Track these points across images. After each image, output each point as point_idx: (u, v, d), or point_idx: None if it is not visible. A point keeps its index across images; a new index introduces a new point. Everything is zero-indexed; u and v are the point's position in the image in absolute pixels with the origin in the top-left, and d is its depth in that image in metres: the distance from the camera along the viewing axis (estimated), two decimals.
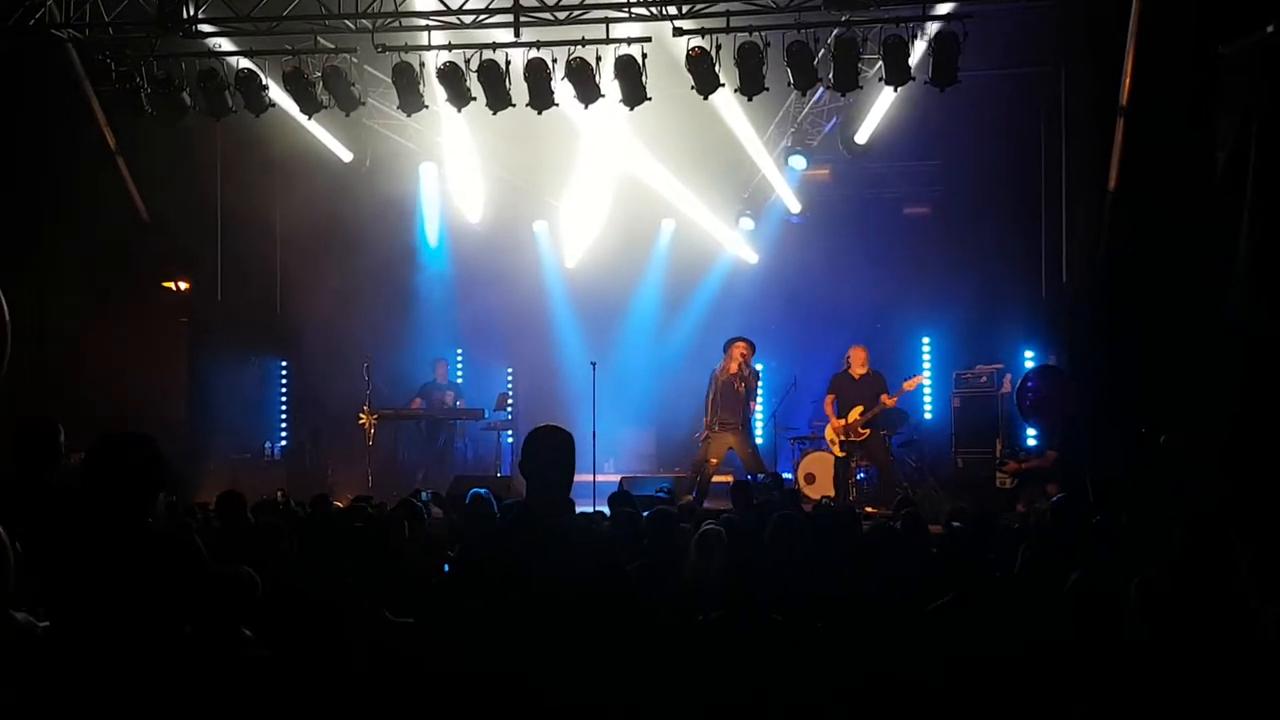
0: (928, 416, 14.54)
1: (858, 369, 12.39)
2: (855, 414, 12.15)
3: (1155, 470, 9.80)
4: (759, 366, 12.48)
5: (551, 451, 3.80)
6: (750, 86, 10.25)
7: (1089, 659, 4.53)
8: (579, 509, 4.96)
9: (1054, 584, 5.05)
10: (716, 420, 11.80)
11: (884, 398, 12.22)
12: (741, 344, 11.83)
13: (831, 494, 12.20)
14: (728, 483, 12.07)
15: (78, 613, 3.43)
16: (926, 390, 14.32)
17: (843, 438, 12.22)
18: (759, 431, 14.11)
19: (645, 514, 7.07)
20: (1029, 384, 12.26)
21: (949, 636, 4.78)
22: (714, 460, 11.77)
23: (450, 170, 14.91)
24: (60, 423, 5.22)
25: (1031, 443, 12.50)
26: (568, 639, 3.60)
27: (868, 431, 12.17)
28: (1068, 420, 11.72)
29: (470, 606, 3.79)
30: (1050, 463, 11.42)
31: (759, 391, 12.30)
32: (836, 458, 12.32)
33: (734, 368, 11.75)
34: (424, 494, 9.22)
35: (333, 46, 10.93)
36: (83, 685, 3.33)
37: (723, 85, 10.41)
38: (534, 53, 10.43)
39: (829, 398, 12.49)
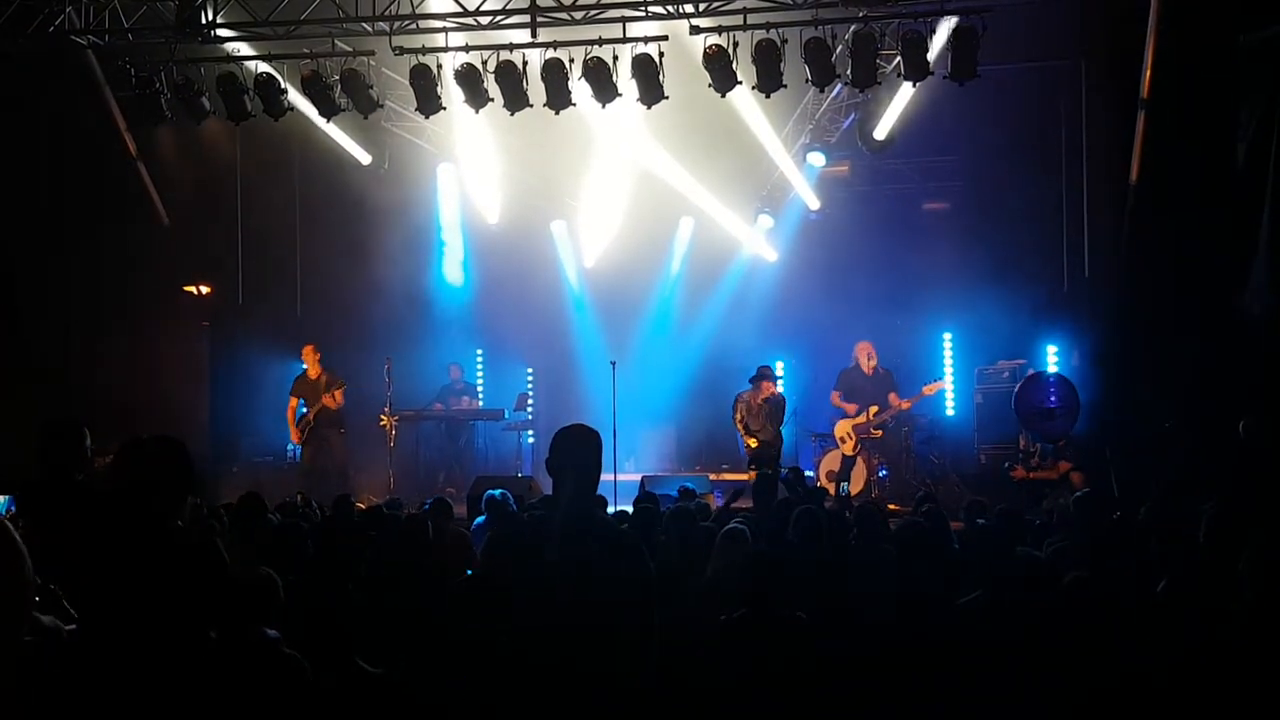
0: (950, 412, 14.47)
1: (868, 365, 12.39)
2: (872, 413, 12.16)
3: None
4: (780, 390, 12.49)
5: (580, 450, 3.79)
6: (768, 83, 10.23)
7: (1118, 654, 4.51)
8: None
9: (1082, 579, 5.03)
10: (750, 434, 11.96)
11: (894, 398, 12.23)
12: (770, 382, 11.95)
13: (853, 490, 12.20)
14: (747, 481, 12.09)
15: (102, 615, 3.44)
16: (949, 387, 14.28)
17: (855, 436, 12.23)
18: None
19: (664, 510, 7.08)
20: (1031, 397, 11.89)
21: (976, 633, 4.76)
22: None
23: (468, 171, 14.92)
24: (85, 426, 5.25)
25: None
26: (592, 637, 3.59)
27: (881, 431, 12.21)
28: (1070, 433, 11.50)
29: (495, 606, 3.80)
30: (1061, 474, 11.30)
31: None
32: (845, 455, 12.34)
33: (760, 399, 11.84)
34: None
35: (350, 49, 10.96)
36: (106, 687, 3.34)
37: (740, 83, 10.39)
38: (551, 53, 10.44)
39: (836, 393, 12.50)
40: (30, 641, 3.07)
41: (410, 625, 4.85)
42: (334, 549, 6.49)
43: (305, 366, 12.88)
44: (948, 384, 14.10)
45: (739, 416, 11.97)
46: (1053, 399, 11.51)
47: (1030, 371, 12.36)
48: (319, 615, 4.20)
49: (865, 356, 12.47)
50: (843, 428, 12.48)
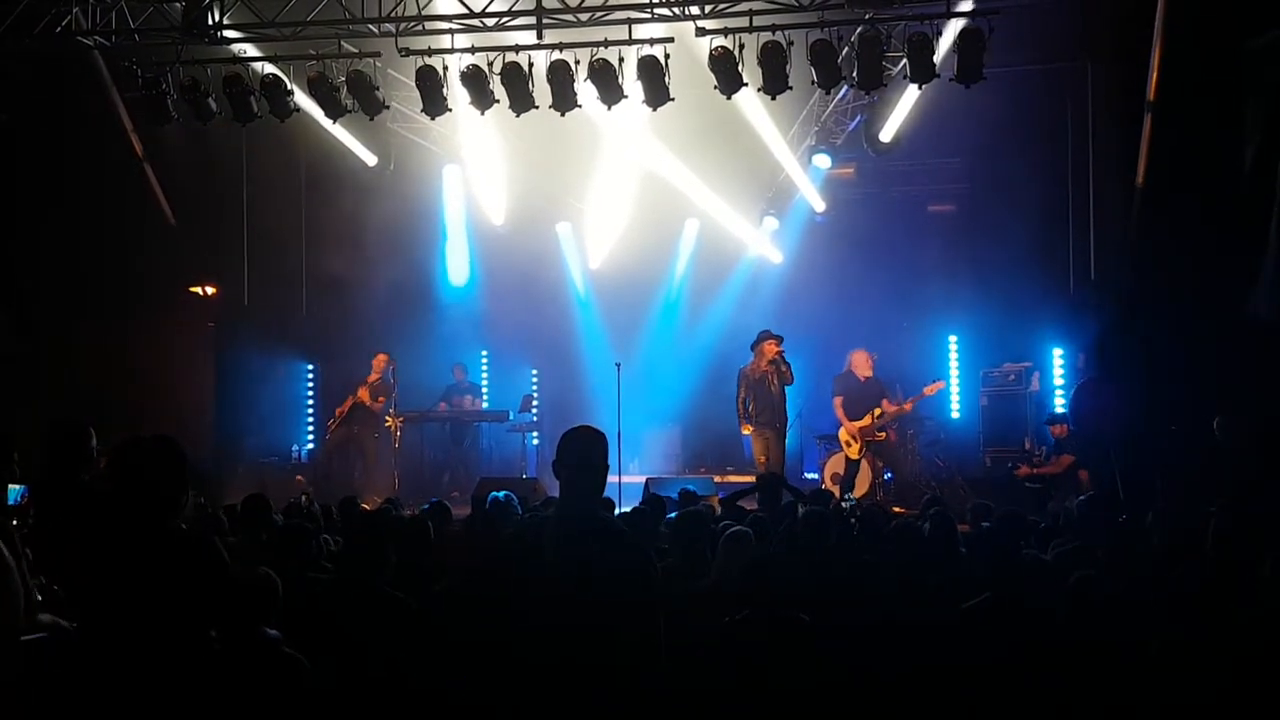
0: (955, 415, 14.46)
1: (863, 372, 12.41)
2: (870, 418, 12.16)
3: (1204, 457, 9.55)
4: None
5: (586, 451, 3.78)
6: (774, 85, 10.21)
7: (1121, 658, 4.50)
8: None
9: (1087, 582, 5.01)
10: (753, 419, 11.79)
11: (886, 404, 12.24)
12: (771, 340, 11.79)
13: (858, 493, 12.19)
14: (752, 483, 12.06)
15: (102, 614, 3.44)
16: (954, 390, 14.27)
17: (859, 440, 12.23)
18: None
19: (670, 515, 7.06)
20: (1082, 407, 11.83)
21: (981, 637, 4.74)
22: (762, 459, 11.75)
23: (473, 172, 14.94)
24: (91, 426, 5.26)
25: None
26: (593, 636, 3.59)
27: (884, 434, 12.20)
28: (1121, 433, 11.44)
29: (490, 607, 3.79)
30: (1064, 468, 11.29)
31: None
32: (849, 459, 12.34)
33: (764, 365, 11.72)
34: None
35: (356, 51, 10.96)
36: (107, 685, 3.34)
37: (746, 85, 10.38)
38: (556, 54, 10.42)
39: (837, 400, 12.49)
40: (30, 641, 3.07)
41: (411, 625, 4.85)
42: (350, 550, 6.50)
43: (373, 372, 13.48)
44: (953, 385, 14.11)
45: (742, 394, 11.87)
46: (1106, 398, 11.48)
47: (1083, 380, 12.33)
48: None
49: (866, 365, 12.49)
50: (845, 434, 12.46)
